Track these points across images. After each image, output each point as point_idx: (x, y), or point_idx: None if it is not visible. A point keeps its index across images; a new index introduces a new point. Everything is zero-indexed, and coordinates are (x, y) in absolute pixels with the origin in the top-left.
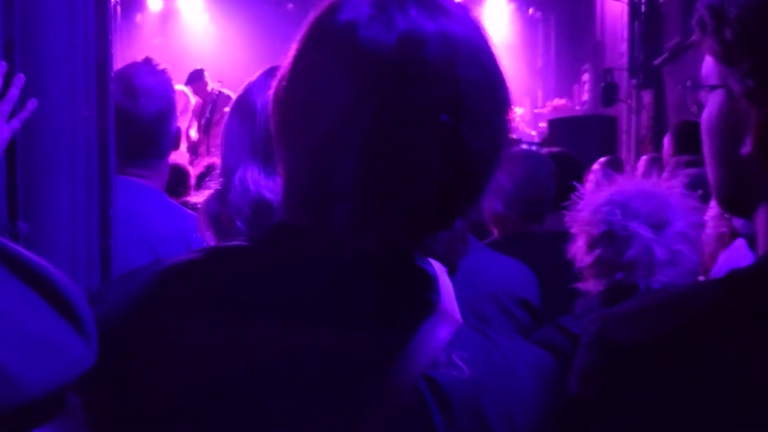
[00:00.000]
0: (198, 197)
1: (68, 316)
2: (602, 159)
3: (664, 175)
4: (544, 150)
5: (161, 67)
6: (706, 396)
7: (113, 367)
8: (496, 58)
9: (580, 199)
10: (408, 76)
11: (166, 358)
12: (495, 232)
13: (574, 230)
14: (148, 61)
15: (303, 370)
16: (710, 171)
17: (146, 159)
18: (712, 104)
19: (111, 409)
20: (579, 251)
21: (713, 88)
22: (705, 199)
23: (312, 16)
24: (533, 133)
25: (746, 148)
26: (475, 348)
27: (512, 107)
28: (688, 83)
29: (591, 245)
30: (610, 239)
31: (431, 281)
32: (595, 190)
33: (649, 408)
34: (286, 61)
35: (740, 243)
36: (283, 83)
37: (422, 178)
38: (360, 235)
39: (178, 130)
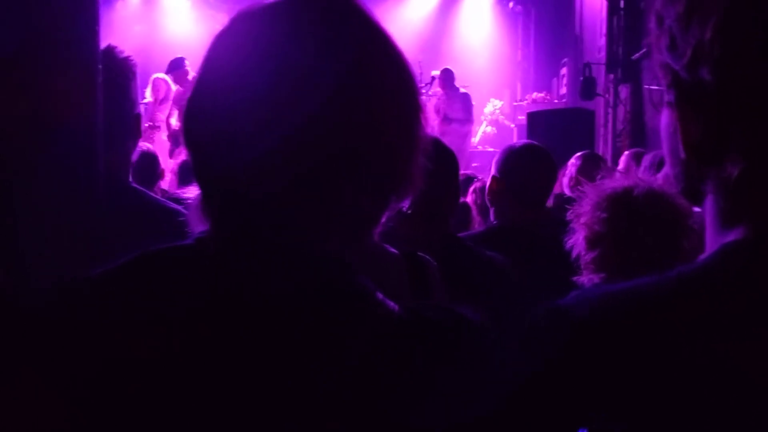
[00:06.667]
0: (190, 191)
1: None
2: (579, 153)
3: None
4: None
5: (123, 54)
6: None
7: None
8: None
9: (582, 194)
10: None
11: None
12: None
13: (574, 224)
14: (110, 47)
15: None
16: (668, 167)
17: None
18: (665, 108)
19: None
20: (579, 245)
21: (661, 97)
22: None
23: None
24: (512, 125)
25: (681, 154)
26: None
27: (416, 105)
28: (651, 86)
29: (593, 242)
30: (613, 236)
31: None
32: (596, 186)
33: (613, 386)
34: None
35: None
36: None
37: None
38: (284, 236)
39: (137, 116)
